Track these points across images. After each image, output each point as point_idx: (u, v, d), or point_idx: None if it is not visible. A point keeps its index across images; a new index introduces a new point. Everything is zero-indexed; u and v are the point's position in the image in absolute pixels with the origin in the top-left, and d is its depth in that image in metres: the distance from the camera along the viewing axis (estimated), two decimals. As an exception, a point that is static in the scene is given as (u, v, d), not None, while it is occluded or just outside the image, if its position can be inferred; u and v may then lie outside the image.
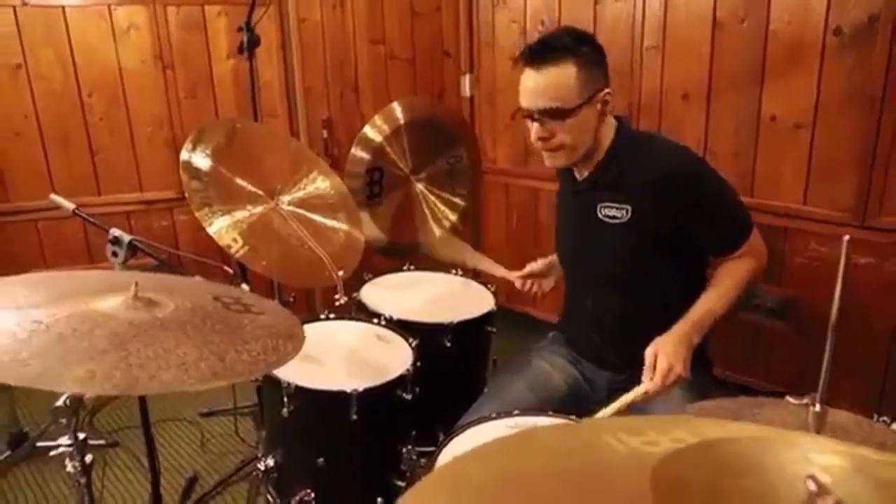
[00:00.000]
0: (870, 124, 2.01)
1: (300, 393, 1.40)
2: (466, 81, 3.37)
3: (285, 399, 1.40)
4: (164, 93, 2.90)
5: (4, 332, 0.96)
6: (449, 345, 1.79)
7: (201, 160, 1.70)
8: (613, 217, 1.52)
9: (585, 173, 1.59)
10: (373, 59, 3.19)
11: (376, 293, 2.00)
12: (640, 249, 1.52)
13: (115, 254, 1.66)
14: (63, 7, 2.70)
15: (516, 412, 1.29)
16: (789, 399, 0.84)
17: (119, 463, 2.40)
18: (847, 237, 0.76)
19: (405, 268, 2.22)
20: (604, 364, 1.61)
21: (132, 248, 1.66)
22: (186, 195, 1.62)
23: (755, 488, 0.41)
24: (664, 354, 1.33)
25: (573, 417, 1.27)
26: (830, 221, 2.16)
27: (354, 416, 1.41)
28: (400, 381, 1.50)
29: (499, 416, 1.29)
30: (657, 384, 1.31)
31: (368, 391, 1.42)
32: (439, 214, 2.38)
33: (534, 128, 1.47)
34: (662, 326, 1.40)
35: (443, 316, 1.83)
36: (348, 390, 1.40)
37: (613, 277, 1.58)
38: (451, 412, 1.75)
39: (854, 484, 0.38)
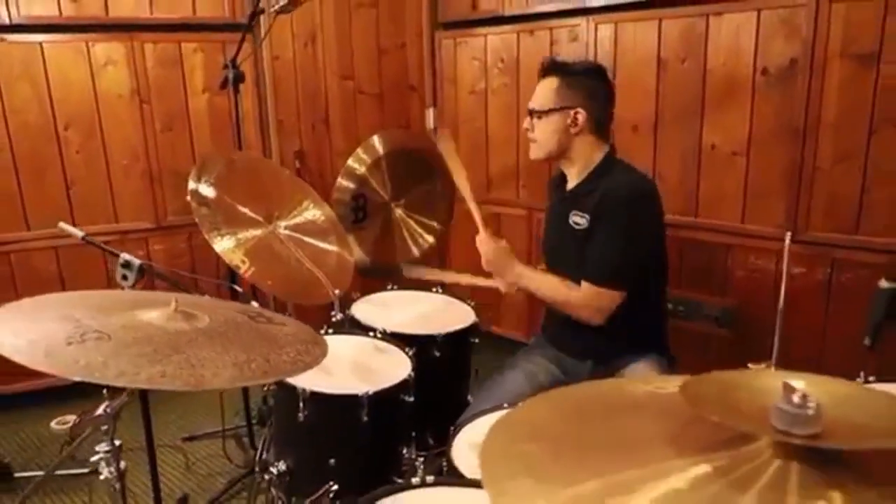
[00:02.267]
0: (795, 152, 2.32)
1: (315, 398, 1.53)
2: (430, 114, 3.57)
3: (301, 404, 1.53)
4: (141, 126, 2.98)
5: (73, 341, 1.07)
6: (438, 355, 1.95)
7: (206, 189, 1.83)
8: (578, 224, 1.82)
9: (573, 185, 1.87)
10: (342, 93, 3.37)
11: (367, 310, 2.14)
12: None
13: (125, 277, 1.76)
14: (41, 43, 2.77)
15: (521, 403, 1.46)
16: (749, 365, 1.04)
17: (106, 489, 2.42)
18: (789, 233, 0.98)
19: (389, 287, 2.37)
20: (584, 355, 1.82)
21: (141, 272, 1.76)
22: (197, 221, 1.74)
23: (749, 396, 0.60)
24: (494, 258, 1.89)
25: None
26: (766, 237, 2.44)
27: (365, 418, 1.55)
28: (403, 384, 1.65)
29: (508, 407, 1.46)
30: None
31: (377, 394, 1.56)
32: (417, 237, 2.55)
33: (525, 121, 1.89)
34: (626, 321, 1.68)
35: (430, 329, 1.99)
36: (359, 394, 1.54)
37: (579, 275, 1.80)
38: (440, 417, 1.90)
39: (813, 391, 0.57)
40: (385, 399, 1.59)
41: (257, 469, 2.05)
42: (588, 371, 1.81)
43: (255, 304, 1.75)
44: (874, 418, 0.58)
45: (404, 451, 1.73)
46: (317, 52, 3.26)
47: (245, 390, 2.51)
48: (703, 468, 0.56)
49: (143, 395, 1.72)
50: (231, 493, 2.36)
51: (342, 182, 2.31)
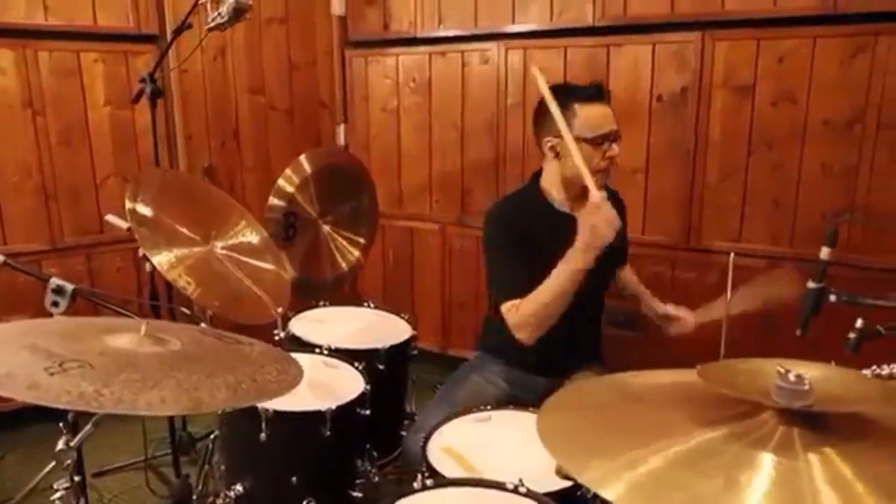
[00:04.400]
0: (687, 170, 2.61)
1: (278, 417, 1.54)
2: (341, 131, 3.61)
3: (263, 424, 1.53)
4: (35, 140, 2.77)
5: (53, 371, 1.02)
6: (381, 367, 2.00)
7: (143, 208, 1.76)
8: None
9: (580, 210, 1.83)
10: (253, 108, 3.32)
11: (305, 327, 2.15)
12: (612, 266, 1.98)
13: (55, 303, 1.65)
14: (-85, 47, 2.51)
15: (488, 407, 1.56)
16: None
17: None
18: (733, 254, 1.16)
19: (321, 304, 2.38)
20: (541, 371, 1.89)
21: (74, 297, 1.67)
22: (138, 239, 1.68)
23: (748, 379, 0.74)
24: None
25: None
26: (664, 246, 2.72)
27: (327, 433, 1.57)
28: (361, 398, 1.69)
29: (471, 412, 1.54)
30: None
31: (339, 409, 1.60)
32: (345, 252, 2.59)
33: (615, 147, 1.80)
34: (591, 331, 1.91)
35: (372, 342, 2.04)
36: (323, 409, 1.56)
37: (596, 291, 1.92)
38: (383, 429, 1.96)
39: (803, 370, 0.72)
40: (345, 414, 1.62)
41: (195, 497, 1.98)
42: (540, 386, 1.84)
43: (203, 325, 1.72)
44: (848, 390, 0.74)
45: (359, 463, 1.76)
46: (226, 66, 3.20)
47: (171, 418, 2.40)
48: (723, 434, 0.69)
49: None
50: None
51: (273, 201, 2.31)
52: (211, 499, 1.87)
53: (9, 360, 1.05)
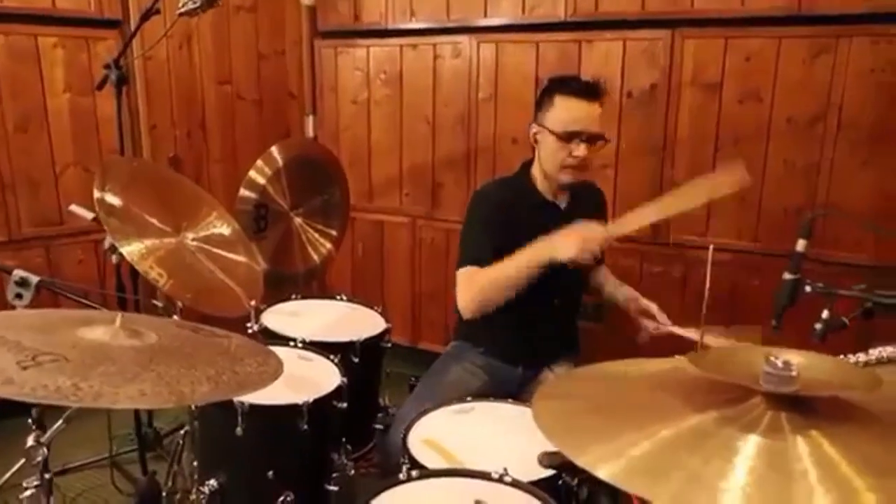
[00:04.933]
0: (656, 165, 2.66)
1: (255, 411, 1.51)
2: (310, 123, 3.55)
3: (240, 418, 1.50)
4: (-11, 127, 2.66)
5: (27, 364, 0.98)
6: (356, 360, 1.99)
7: (112, 198, 1.71)
8: None
9: (564, 201, 1.95)
10: (220, 98, 3.25)
11: (277, 320, 2.11)
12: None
13: (19, 296, 1.60)
14: None
15: (468, 398, 1.56)
16: (677, 356, 1.23)
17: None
18: (712, 246, 1.19)
19: (293, 297, 2.35)
20: (519, 360, 1.91)
21: (38, 289, 1.61)
22: (107, 230, 1.63)
23: (740, 366, 0.76)
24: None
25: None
26: (633, 240, 2.76)
27: (304, 427, 1.56)
28: (338, 391, 1.68)
29: (452, 403, 1.55)
30: None
31: (316, 402, 1.58)
32: (316, 245, 2.56)
33: (581, 147, 1.79)
34: (568, 323, 1.92)
35: (346, 335, 2.02)
36: (300, 403, 1.55)
37: (572, 285, 1.99)
38: (357, 421, 1.94)
39: (789, 357, 0.75)
40: (322, 407, 1.61)
41: (164, 493, 1.94)
42: (518, 377, 1.90)
43: (175, 317, 1.68)
44: (832, 376, 0.77)
45: (335, 456, 1.75)
46: (192, 54, 3.12)
47: (136, 413, 2.34)
48: (715, 418, 0.72)
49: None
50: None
51: (245, 193, 2.27)
52: (179, 495, 1.84)
53: (-24, 354, 1.01)
